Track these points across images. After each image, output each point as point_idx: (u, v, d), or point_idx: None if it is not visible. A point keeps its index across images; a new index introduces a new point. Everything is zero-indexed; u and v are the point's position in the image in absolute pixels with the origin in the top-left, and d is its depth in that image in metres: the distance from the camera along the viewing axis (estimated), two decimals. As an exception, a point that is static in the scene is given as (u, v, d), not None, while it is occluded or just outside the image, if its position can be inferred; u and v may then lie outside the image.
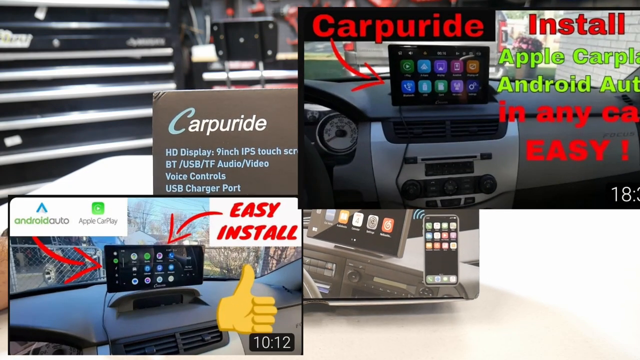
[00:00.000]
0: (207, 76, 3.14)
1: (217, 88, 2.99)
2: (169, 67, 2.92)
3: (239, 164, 0.42)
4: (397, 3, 3.54)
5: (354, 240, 0.42)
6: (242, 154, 0.42)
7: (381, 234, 0.42)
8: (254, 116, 0.42)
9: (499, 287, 0.49)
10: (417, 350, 0.39)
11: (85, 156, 2.70)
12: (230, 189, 0.42)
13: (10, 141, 2.57)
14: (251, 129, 0.42)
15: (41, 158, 2.63)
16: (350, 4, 3.51)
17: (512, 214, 0.69)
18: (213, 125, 0.42)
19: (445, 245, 0.42)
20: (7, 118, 2.54)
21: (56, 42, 2.56)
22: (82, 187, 0.90)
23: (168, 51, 2.89)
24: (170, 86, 2.94)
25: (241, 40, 2.55)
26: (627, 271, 0.52)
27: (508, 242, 0.61)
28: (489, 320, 0.43)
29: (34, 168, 2.64)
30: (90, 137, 2.78)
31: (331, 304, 0.43)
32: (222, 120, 0.42)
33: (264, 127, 0.42)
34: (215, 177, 0.42)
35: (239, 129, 0.42)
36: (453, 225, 0.42)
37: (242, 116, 0.42)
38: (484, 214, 0.69)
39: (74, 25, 2.64)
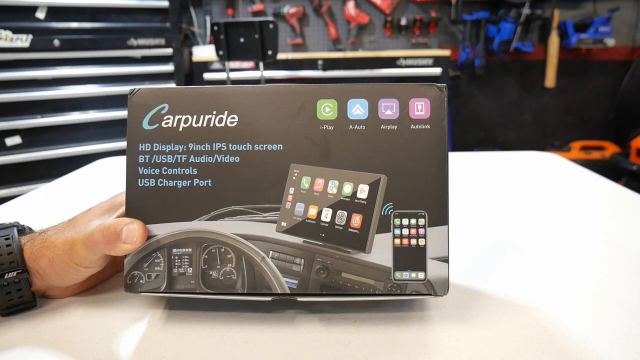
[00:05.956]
0: (207, 76, 3.14)
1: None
2: (169, 67, 2.92)
3: (210, 159, 0.43)
4: (397, 3, 3.54)
5: (323, 235, 0.42)
6: (213, 149, 0.43)
7: (350, 230, 0.42)
8: (226, 112, 0.43)
9: (497, 288, 0.48)
10: (414, 350, 0.39)
11: (85, 156, 2.70)
12: (202, 183, 0.42)
13: (11, 141, 2.58)
14: (223, 124, 0.43)
15: (41, 158, 2.64)
16: (351, 4, 3.51)
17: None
18: (186, 120, 0.43)
19: (413, 241, 0.41)
20: (7, 118, 2.55)
21: (56, 42, 2.56)
22: (79, 188, 0.90)
23: (168, 51, 2.89)
24: (171, 86, 2.94)
25: (241, 40, 2.55)
26: (602, 268, 0.52)
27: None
28: (485, 320, 0.43)
29: (34, 168, 2.64)
30: (90, 137, 2.78)
31: (300, 299, 0.42)
32: (195, 116, 0.43)
33: (235, 123, 0.43)
34: (187, 171, 0.43)
35: (211, 124, 0.43)
36: (422, 222, 0.42)
37: (214, 112, 0.43)
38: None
39: (74, 25, 2.65)
